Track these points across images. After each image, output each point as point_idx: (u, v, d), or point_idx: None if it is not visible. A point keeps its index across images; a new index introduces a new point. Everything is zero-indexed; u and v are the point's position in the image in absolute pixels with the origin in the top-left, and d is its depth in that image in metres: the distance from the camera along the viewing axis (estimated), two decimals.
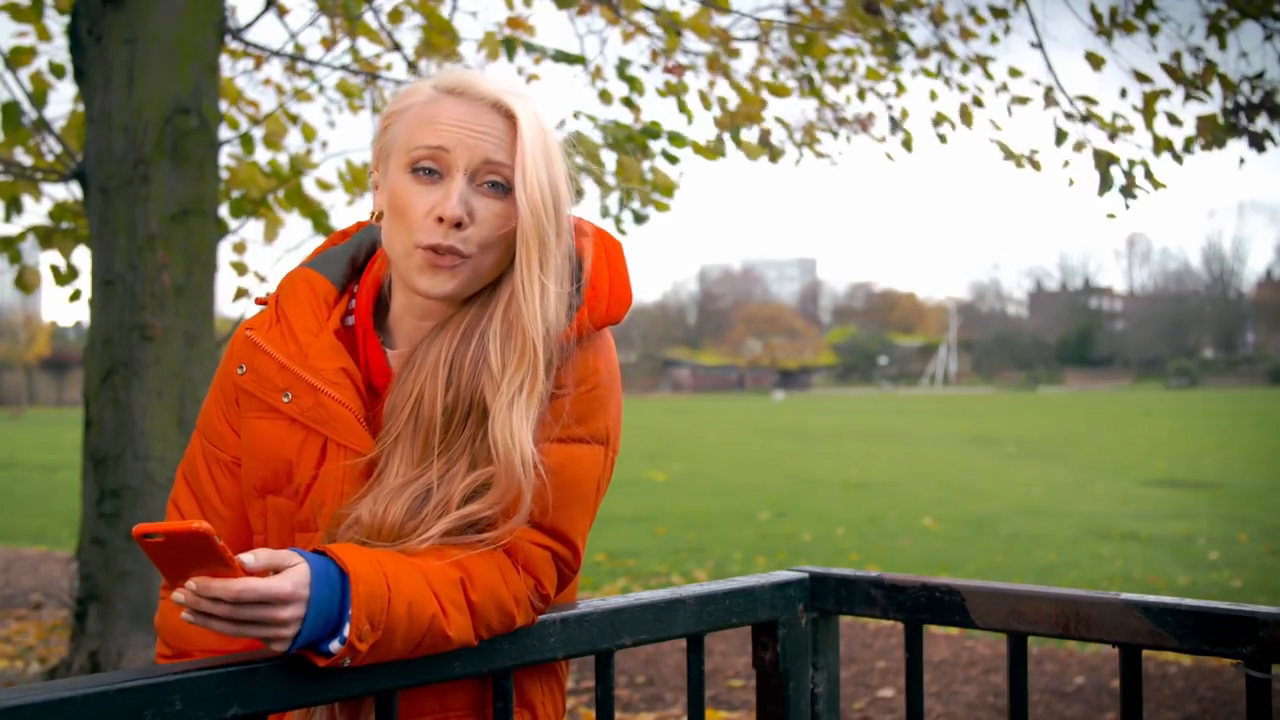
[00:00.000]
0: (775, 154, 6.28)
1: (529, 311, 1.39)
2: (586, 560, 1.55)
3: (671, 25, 5.38)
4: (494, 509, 1.38)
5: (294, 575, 1.23)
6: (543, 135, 1.42)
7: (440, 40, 5.02)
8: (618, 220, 5.82)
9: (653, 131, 5.31)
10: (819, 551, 9.37)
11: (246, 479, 1.49)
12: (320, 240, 6.05)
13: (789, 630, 1.72)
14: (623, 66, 5.67)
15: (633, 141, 5.25)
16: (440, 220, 1.39)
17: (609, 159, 5.37)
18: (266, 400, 1.46)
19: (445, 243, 1.39)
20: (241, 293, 5.92)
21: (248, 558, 1.21)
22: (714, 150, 5.51)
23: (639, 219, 5.68)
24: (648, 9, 5.52)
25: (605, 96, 5.86)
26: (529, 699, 1.54)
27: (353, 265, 1.56)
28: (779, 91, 5.85)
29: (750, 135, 6.05)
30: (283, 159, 6.26)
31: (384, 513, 1.38)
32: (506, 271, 1.44)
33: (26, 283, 5.63)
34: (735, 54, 5.76)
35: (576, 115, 5.42)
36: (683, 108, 5.64)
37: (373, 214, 1.51)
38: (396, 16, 5.63)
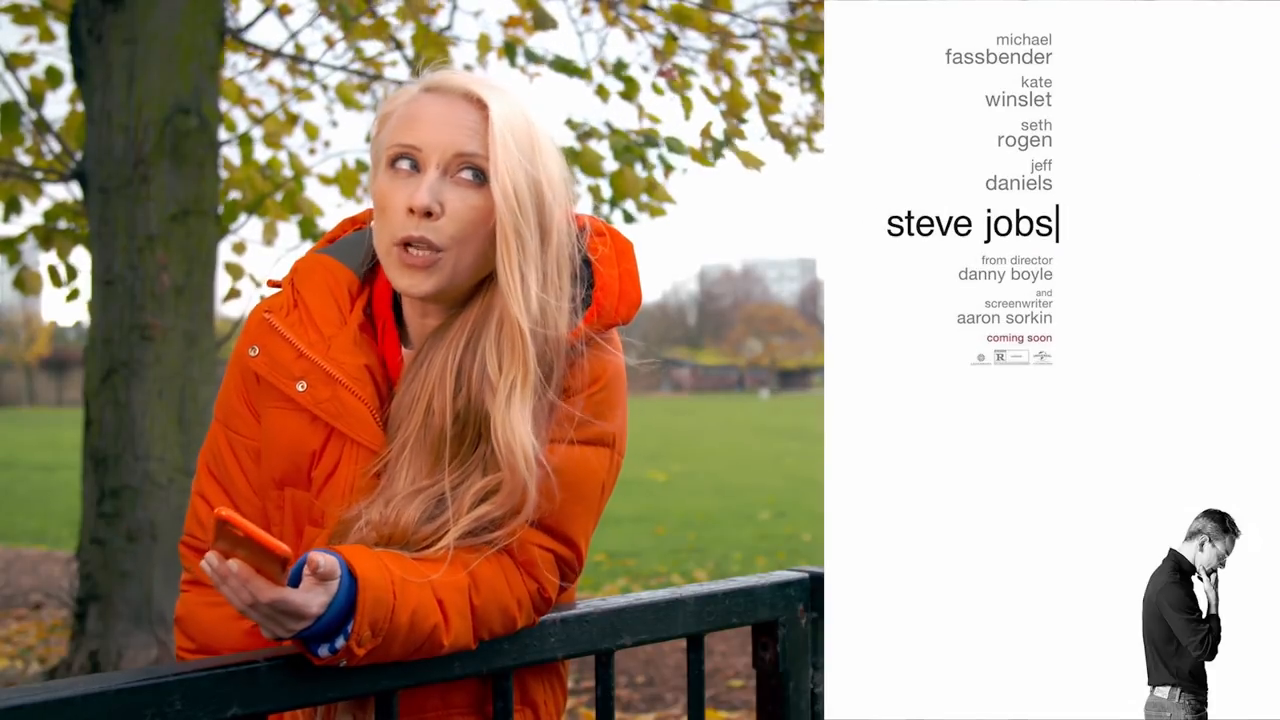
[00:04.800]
0: (791, 145, 6.25)
1: (513, 303, 1.38)
2: (586, 560, 1.55)
3: (671, 26, 5.37)
4: (503, 509, 1.38)
5: (322, 595, 1.24)
6: (524, 126, 1.41)
7: (432, 51, 5.01)
8: (608, 220, 5.82)
9: (651, 140, 5.30)
10: (819, 551, 9.37)
11: (265, 471, 1.47)
12: (308, 244, 6.00)
13: (789, 630, 1.72)
14: (620, 68, 5.66)
15: (630, 153, 5.24)
16: (411, 211, 1.38)
17: (609, 163, 5.37)
18: (279, 386, 1.44)
19: (416, 233, 1.38)
20: (234, 293, 5.92)
21: (320, 558, 1.23)
22: (712, 154, 5.49)
23: (628, 218, 5.68)
24: (649, 8, 5.52)
25: (602, 93, 5.85)
26: (532, 698, 1.54)
27: (370, 255, 1.53)
28: (769, 109, 5.84)
29: (755, 132, 6.05)
30: (283, 157, 6.27)
31: (396, 518, 1.37)
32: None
33: (27, 285, 5.63)
34: (741, 47, 5.75)
35: (576, 127, 5.42)
36: (686, 105, 5.63)
37: (370, 219, 1.50)
38: (382, 28, 5.62)
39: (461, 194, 1.39)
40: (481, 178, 1.39)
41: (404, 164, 1.40)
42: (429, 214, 1.38)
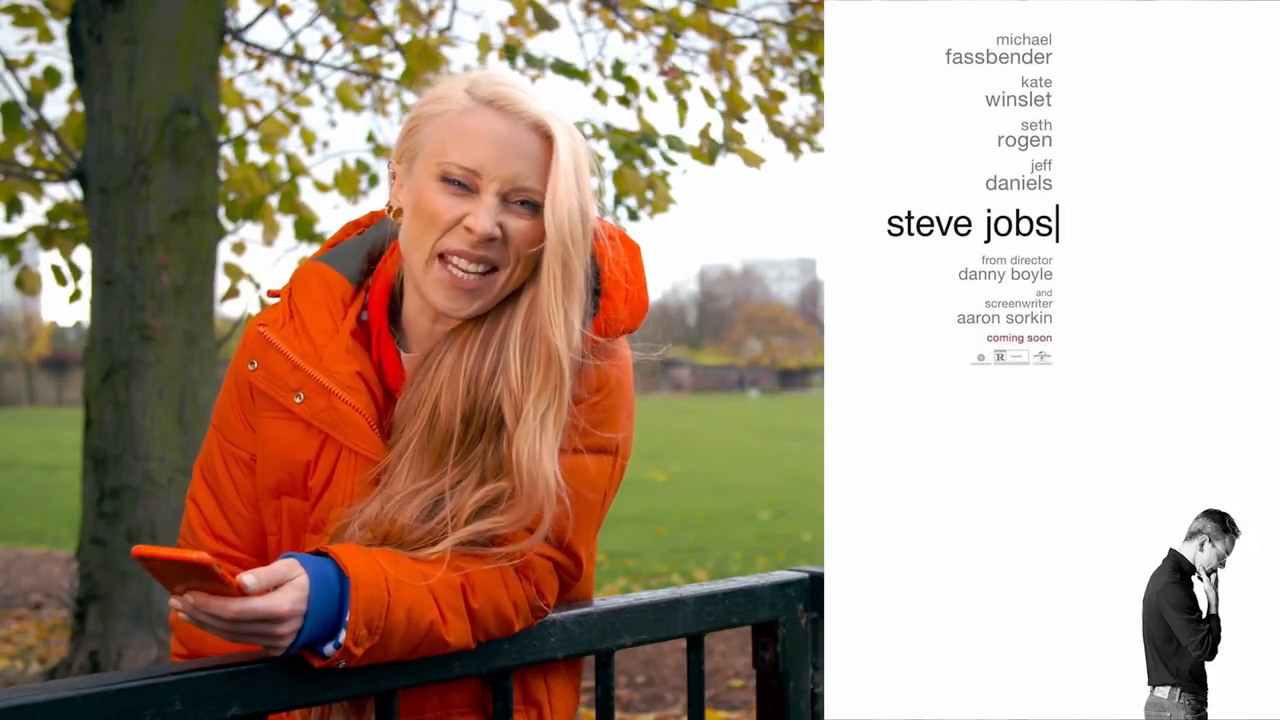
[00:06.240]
0: (793, 143, 6.25)
1: (557, 336, 1.38)
2: (587, 563, 1.55)
3: (670, 25, 5.37)
4: (507, 530, 1.38)
5: (292, 593, 1.23)
6: (575, 158, 1.41)
7: (424, 64, 4.99)
8: (615, 217, 5.82)
9: (650, 138, 5.29)
10: (819, 551, 9.37)
11: (261, 480, 1.47)
12: (305, 245, 5.96)
13: (789, 630, 1.72)
14: (619, 68, 5.65)
15: (630, 151, 5.23)
16: (470, 231, 1.38)
17: (610, 160, 5.37)
18: (278, 399, 1.44)
19: (474, 253, 1.38)
20: (233, 293, 5.91)
21: (248, 579, 1.20)
22: (709, 155, 5.49)
23: (633, 215, 5.67)
24: (648, 8, 5.52)
25: (601, 96, 5.84)
26: (534, 697, 1.54)
27: (369, 260, 1.53)
28: (770, 110, 5.84)
29: (755, 133, 6.04)
30: (280, 160, 6.26)
31: (392, 518, 1.37)
32: (527, 283, 1.43)
33: (27, 285, 5.63)
34: (740, 49, 5.74)
35: (580, 127, 5.41)
36: (682, 107, 5.63)
37: (389, 207, 1.48)
38: (378, 38, 5.62)
39: (516, 222, 1.40)
40: (534, 206, 1.40)
41: (456, 179, 1.40)
42: (490, 239, 1.38)
